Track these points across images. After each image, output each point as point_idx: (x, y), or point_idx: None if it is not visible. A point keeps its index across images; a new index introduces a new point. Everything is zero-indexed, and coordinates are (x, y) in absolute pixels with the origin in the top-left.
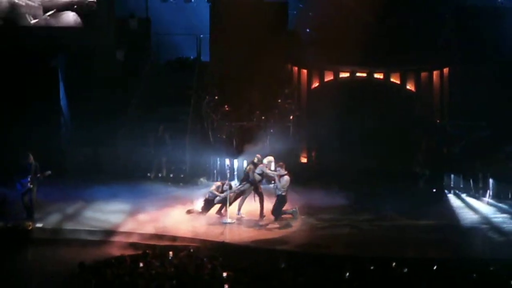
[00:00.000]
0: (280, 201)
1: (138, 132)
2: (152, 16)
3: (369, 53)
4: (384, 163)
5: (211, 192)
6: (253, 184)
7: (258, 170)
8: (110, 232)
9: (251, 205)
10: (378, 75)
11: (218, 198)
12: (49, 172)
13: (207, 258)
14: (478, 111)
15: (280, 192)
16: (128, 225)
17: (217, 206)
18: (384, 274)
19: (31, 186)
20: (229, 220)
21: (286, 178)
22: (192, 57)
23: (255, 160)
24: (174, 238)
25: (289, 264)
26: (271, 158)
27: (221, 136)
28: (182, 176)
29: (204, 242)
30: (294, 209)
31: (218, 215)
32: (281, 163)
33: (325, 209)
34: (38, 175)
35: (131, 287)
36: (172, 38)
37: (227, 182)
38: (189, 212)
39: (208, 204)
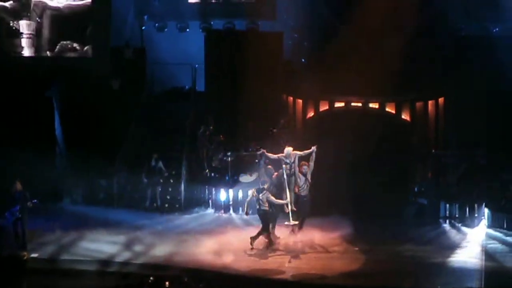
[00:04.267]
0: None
1: (134, 162)
2: (147, 45)
3: (364, 83)
4: (379, 193)
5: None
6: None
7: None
8: (105, 262)
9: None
10: (373, 105)
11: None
12: (35, 201)
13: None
14: (474, 140)
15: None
16: (124, 255)
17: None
18: None
19: (20, 215)
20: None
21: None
22: (187, 87)
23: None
24: (169, 267)
25: None
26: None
27: (215, 165)
28: (177, 206)
29: (201, 271)
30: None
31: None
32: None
33: (323, 239)
34: (28, 203)
35: None
36: (167, 68)
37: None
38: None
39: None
